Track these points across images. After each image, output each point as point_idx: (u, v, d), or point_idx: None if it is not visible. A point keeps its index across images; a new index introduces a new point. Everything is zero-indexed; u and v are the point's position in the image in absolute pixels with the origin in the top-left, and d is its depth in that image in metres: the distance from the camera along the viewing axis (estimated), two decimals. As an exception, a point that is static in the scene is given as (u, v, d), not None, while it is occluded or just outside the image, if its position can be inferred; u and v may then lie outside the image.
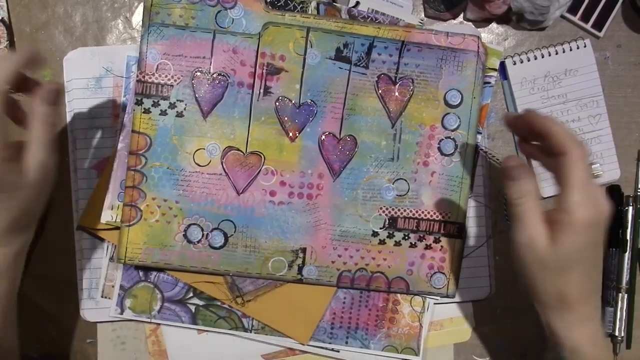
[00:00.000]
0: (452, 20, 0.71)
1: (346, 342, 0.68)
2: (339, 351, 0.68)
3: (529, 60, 0.70)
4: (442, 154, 0.66)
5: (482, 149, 0.69)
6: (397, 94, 0.65)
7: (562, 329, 0.53)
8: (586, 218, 0.49)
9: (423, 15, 0.70)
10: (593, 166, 0.62)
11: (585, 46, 0.70)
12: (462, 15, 0.71)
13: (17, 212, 0.55)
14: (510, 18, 0.70)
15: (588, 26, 0.71)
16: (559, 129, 0.50)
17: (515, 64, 0.70)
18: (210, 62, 0.64)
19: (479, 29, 0.70)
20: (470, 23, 0.71)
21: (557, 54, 0.70)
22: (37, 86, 0.56)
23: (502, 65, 0.70)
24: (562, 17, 0.71)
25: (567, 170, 0.49)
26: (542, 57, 0.70)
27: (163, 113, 0.64)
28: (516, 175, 0.51)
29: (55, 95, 0.55)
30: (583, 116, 0.70)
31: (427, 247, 0.66)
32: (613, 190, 0.71)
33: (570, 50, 0.70)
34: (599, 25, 0.71)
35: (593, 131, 0.70)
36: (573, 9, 0.70)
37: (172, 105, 0.64)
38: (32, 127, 0.54)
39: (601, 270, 0.56)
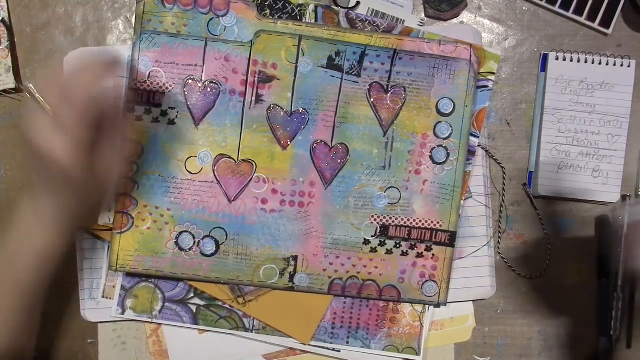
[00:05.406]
0: (452, 20, 0.70)
1: (347, 342, 0.68)
2: (340, 351, 0.69)
3: (571, 60, 0.68)
4: (434, 162, 0.66)
5: (483, 149, 0.69)
6: (389, 102, 0.65)
7: None
8: None
9: (423, 15, 0.69)
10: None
11: (629, 66, 0.69)
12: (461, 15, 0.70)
13: (75, 206, 0.57)
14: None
15: (595, 25, 0.69)
16: None
17: (557, 59, 0.68)
18: (202, 70, 0.64)
19: (479, 29, 0.69)
20: (470, 23, 0.70)
21: (600, 64, 0.68)
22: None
23: (545, 57, 0.69)
24: (567, 17, 0.69)
25: None
26: (585, 62, 0.68)
27: (155, 120, 0.64)
28: None
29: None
30: (604, 132, 0.69)
31: (419, 255, 0.66)
32: (602, 221, 0.70)
33: (614, 65, 0.69)
34: (605, 24, 0.69)
35: (608, 149, 0.69)
36: (578, 10, 0.69)
37: (164, 113, 0.64)
38: (113, 139, 0.57)
39: None
